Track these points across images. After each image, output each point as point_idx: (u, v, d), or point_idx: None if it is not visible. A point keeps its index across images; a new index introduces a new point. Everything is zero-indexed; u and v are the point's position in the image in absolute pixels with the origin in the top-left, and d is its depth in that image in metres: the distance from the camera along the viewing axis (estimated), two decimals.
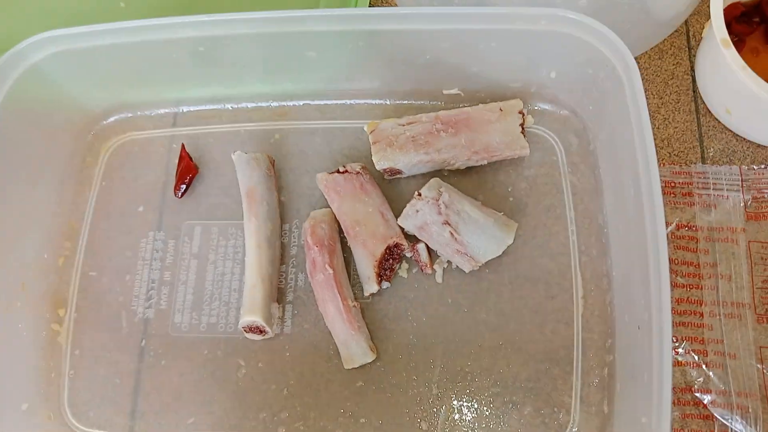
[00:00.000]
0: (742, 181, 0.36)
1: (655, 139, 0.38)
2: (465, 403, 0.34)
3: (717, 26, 0.34)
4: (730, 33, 0.39)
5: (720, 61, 0.34)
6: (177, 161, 0.40)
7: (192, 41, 0.36)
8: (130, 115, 0.42)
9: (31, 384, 0.36)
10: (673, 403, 0.33)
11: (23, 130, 0.37)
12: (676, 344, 0.34)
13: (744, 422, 0.32)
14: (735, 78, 0.34)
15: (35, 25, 0.44)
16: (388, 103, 0.40)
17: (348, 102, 0.41)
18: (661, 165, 0.37)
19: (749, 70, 0.33)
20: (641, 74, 0.39)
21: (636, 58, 0.40)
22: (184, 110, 0.42)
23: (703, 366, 0.33)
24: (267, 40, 0.36)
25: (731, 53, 0.34)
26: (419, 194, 0.35)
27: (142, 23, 0.35)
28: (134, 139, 0.42)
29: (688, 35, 0.41)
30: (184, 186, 0.40)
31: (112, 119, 0.42)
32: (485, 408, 0.34)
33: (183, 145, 0.40)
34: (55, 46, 0.36)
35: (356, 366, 0.34)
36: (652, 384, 0.27)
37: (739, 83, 0.34)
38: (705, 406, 0.32)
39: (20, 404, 0.35)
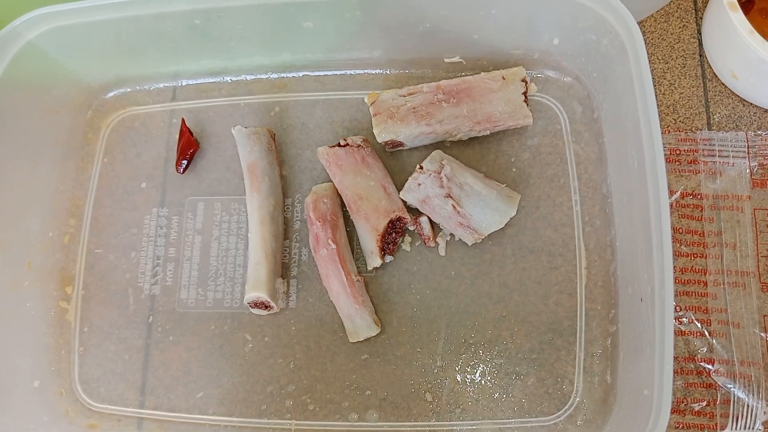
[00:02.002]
0: (748, 147, 0.36)
1: (660, 106, 0.37)
2: (469, 375, 0.34)
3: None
4: None
5: (727, 25, 0.33)
6: (178, 136, 0.40)
7: (187, 14, 0.36)
8: (128, 90, 0.41)
9: (43, 361, 0.37)
10: (677, 372, 0.33)
11: (22, 107, 0.37)
12: (680, 314, 0.34)
13: (746, 390, 0.32)
14: (742, 42, 0.33)
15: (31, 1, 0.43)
16: (388, 72, 0.40)
17: (348, 72, 0.40)
18: (667, 132, 0.37)
19: (756, 34, 0.32)
20: (647, 38, 0.38)
21: (641, 22, 0.39)
22: (183, 84, 0.41)
23: (707, 335, 0.33)
24: (262, 11, 0.35)
25: (738, 17, 0.33)
26: (421, 167, 0.35)
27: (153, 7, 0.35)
28: (134, 114, 0.41)
29: None
30: (185, 162, 0.40)
31: (111, 94, 0.42)
32: (489, 379, 0.34)
33: (183, 120, 0.40)
34: (50, 22, 0.36)
35: (361, 339, 0.35)
36: (654, 357, 0.27)
37: (746, 47, 0.33)
38: (708, 374, 0.33)
39: (32, 381, 0.36)
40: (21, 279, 0.37)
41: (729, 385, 0.32)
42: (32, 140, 0.38)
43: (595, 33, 0.33)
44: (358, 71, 0.40)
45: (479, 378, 0.34)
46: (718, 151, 0.36)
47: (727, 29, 0.34)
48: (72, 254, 0.39)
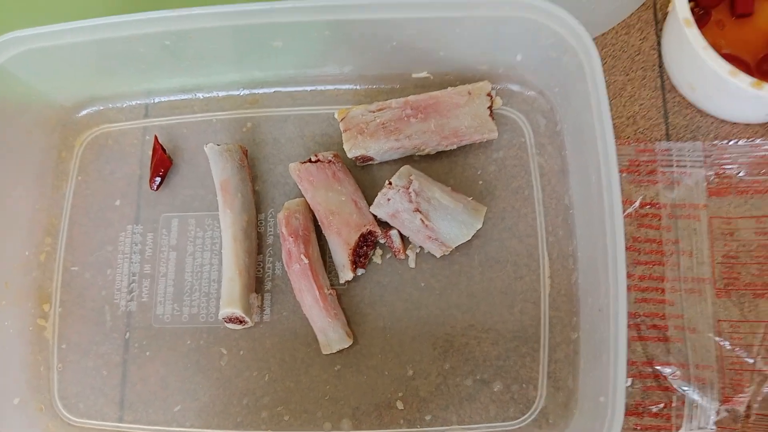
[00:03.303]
0: (704, 157, 0.37)
1: (620, 117, 0.39)
2: (438, 382, 0.35)
3: (680, 5, 0.34)
4: (696, 5, 0.39)
5: (683, 40, 0.35)
6: (151, 153, 0.41)
7: (157, 36, 0.36)
8: (101, 107, 0.42)
9: (22, 378, 0.37)
10: (635, 376, 0.34)
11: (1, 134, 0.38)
12: (639, 320, 0.35)
13: (701, 392, 0.33)
14: (697, 57, 0.34)
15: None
16: (358, 87, 0.41)
17: (319, 88, 0.41)
18: (627, 143, 0.38)
19: (711, 49, 0.33)
20: (608, 50, 0.39)
21: (603, 34, 0.40)
22: (156, 101, 0.42)
23: (665, 340, 0.35)
24: (232, 31, 0.36)
25: (693, 33, 0.34)
26: (390, 183, 0.36)
27: (105, 21, 0.35)
28: (107, 131, 0.42)
29: (655, 8, 0.41)
30: (159, 179, 0.40)
31: (83, 113, 0.42)
32: (458, 386, 0.35)
33: (156, 137, 0.41)
34: (20, 46, 0.36)
35: (334, 351, 0.36)
36: (609, 366, 0.28)
37: (701, 62, 0.34)
38: (665, 378, 0.34)
39: (12, 398, 0.37)
40: (1, 301, 0.37)
41: (685, 388, 0.34)
42: (7, 161, 0.39)
43: (555, 51, 0.34)
44: (328, 87, 0.41)
45: (449, 385, 0.35)
46: (676, 161, 0.37)
47: (683, 44, 0.35)
48: (48, 272, 0.40)
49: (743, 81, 0.32)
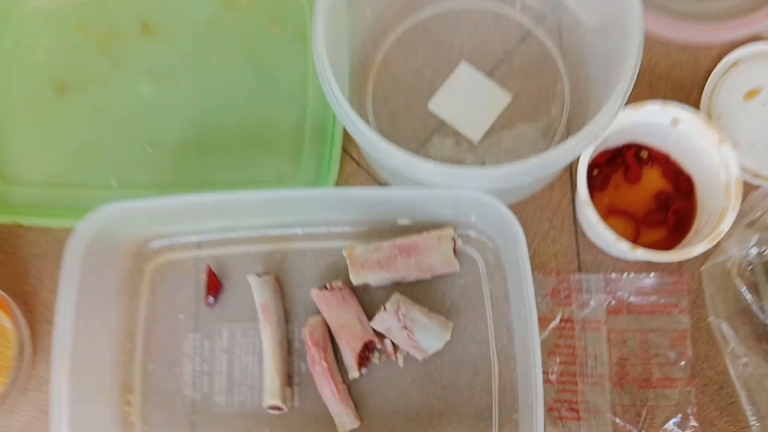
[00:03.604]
0: (605, 285, 0.53)
1: (546, 255, 0.54)
2: None
3: (581, 190, 0.49)
4: (600, 173, 0.54)
5: (584, 211, 0.50)
6: (205, 278, 0.55)
7: (211, 202, 0.50)
8: (166, 242, 0.56)
9: None
10: None
11: (96, 264, 0.51)
12: (559, 404, 0.50)
13: None
14: (593, 224, 0.49)
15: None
16: (360, 230, 0.55)
17: (331, 229, 0.55)
18: (550, 275, 0.53)
19: (602, 223, 0.49)
20: (537, 204, 0.55)
21: (534, 194, 0.56)
22: (207, 239, 0.56)
23: (577, 419, 0.50)
24: (267, 202, 0.51)
25: (590, 210, 0.49)
26: (384, 308, 0.51)
27: (188, 199, 0.49)
28: (170, 260, 0.56)
29: (571, 172, 0.56)
30: (212, 298, 0.54)
31: (151, 245, 0.56)
32: None
33: (208, 266, 0.55)
34: (123, 212, 0.50)
35: (347, 430, 0.50)
36: None
37: (596, 228, 0.49)
38: None
39: None
40: (96, 393, 0.51)
41: None
42: (96, 282, 0.52)
43: (496, 220, 0.49)
44: (338, 229, 0.55)
45: None
46: (585, 288, 0.53)
47: (585, 213, 0.50)
48: (130, 369, 0.53)
49: (624, 245, 0.48)
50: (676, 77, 0.57)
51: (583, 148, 0.45)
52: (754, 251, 0.51)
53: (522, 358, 0.49)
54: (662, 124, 0.51)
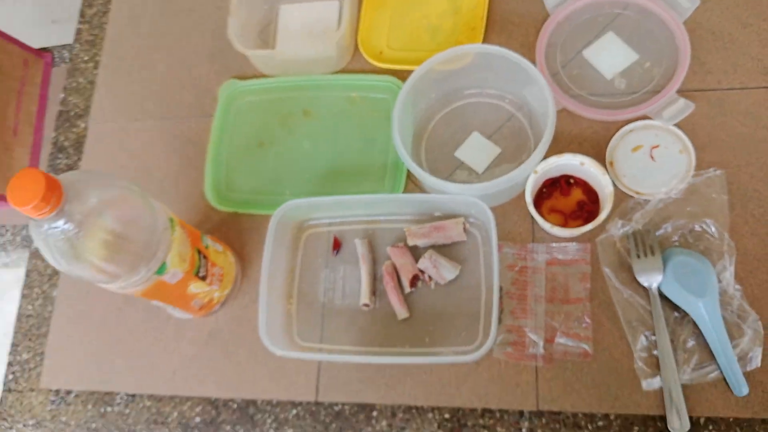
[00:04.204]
0: (546, 249, 0.96)
1: (515, 233, 0.99)
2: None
3: (528, 200, 0.94)
4: (547, 190, 0.98)
5: (531, 209, 0.94)
6: (332, 241, 1.03)
7: (337, 201, 1.00)
8: (313, 222, 1.05)
9: None
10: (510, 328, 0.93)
11: (280, 233, 1.00)
12: (516, 310, 0.93)
13: (536, 335, 0.91)
14: (537, 218, 0.94)
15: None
16: (414, 217, 1.02)
17: (399, 217, 1.03)
18: (517, 244, 0.97)
19: (540, 218, 0.93)
20: (511, 207, 1.00)
21: (509, 201, 1.01)
22: (334, 221, 1.05)
23: (525, 318, 0.93)
24: (364, 203, 0.99)
25: (533, 210, 0.94)
26: (424, 256, 0.97)
27: (325, 200, 0.99)
28: (315, 232, 1.05)
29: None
30: (335, 252, 1.02)
31: (306, 224, 1.05)
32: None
33: (334, 235, 1.03)
34: (294, 207, 0.99)
35: (401, 318, 0.96)
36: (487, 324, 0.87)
37: (539, 220, 0.94)
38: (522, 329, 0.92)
39: None
40: (276, 297, 0.99)
41: (530, 335, 0.91)
42: (280, 244, 1.02)
43: (483, 213, 0.95)
44: (402, 217, 1.03)
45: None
46: (535, 251, 0.96)
47: (531, 210, 0.95)
48: (291, 287, 1.02)
49: (554, 228, 0.92)
50: (594, 139, 1.01)
51: (522, 176, 0.91)
52: (626, 229, 0.93)
53: (494, 286, 0.93)
54: (576, 164, 0.95)
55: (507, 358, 0.92)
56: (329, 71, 1.13)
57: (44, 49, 1.92)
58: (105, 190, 0.76)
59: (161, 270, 0.83)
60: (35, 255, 1.15)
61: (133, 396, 1.02)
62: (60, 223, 0.71)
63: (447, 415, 0.92)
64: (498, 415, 0.90)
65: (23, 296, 1.13)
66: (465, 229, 0.98)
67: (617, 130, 0.96)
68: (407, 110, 1.00)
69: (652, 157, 0.97)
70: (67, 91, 1.25)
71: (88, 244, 0.74)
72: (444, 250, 0.99)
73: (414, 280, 0.97)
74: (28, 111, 1.79)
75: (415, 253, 0.99)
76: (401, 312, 0.96)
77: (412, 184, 1.04)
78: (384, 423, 0.93)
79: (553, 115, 0.91)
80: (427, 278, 0.98)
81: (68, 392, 1.05)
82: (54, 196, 0.69)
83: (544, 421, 0.89)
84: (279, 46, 1.16)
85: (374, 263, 1.00)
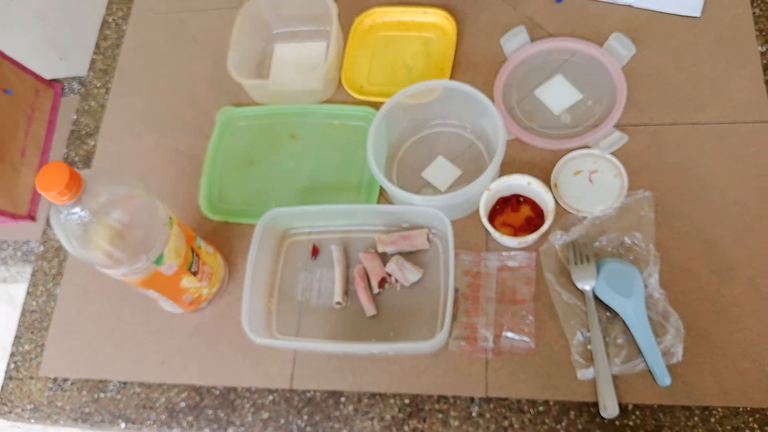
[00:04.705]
0: (497, 257, 1.10)
1: (471, 242, 1.12)
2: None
3: (482, 214, 1.08)
4: (500, 207, 1.12)
5: (484, 222, 1.08)
6: (311, 247, 1.16)
7: (316, 211, 1.13)
8: (294, 231, 1.18)
9: None
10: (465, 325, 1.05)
11: (264, 239, 1.13)
12: (470, 309, 1.06)
13: (486, 330, 1.03)
14: (490, 230, 1.08)
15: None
16: (384, 227, 1.16)
17: (370, 227, 1.16)
18: (473, 251, 1.11)
19: (493, 229, 1.07)
20: (469, 220, 1.14)
21: (468, 215, 1.15)
22: (313, 230, 1.18)
23: (477, 315, 1.05)
24: (341, 213, 1.13)
25: (487, 222, 1.08)
26: (391, 261, 1.10)
27: (305, 209, 1.12)
28: (296, 239, 1.18)
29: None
30: (314, 257, 1.15)
31: (289, 231, 1.18)
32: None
33: (313, 243, 1.16)
34: (277, 215, 1.13)
35: (369, 315, 1.08)
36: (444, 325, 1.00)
37: (492, 231, 1.07)
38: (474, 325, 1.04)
39: None
40: (258, 295, 1.12)
41: (482, 330, 1.04)
42: (264, 249, 1.14)
43: (443, 224, 1.09)
44: (373, 227, 1.16)
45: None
46: (488, 258, 1.10)
47: (484, 223, 1.09)
48: (272, 286, 1.14)
49: (504, 238, 1.05)
50: (542, 164, 1.15)
51: (476, 192, 1.05)
52: (566, 240, 1.07)
53: (449, 288, 1.06)
54: (524, 183, 1.10)
55: (461, 351, 1.04)
56: (315, 101, 1.29)
57: (54, 80, 2.07)
58: (116, 186, 0.90)
59: (159, 260, 0.96)
60: (41, 257, 1.27)
61: (125, 383, 1.12)
62: (77, 210, 0.84)
63: (407, 401, 1.03)
64: (452, 401, 1.02)
65: (28, 293, 1.24)
66: (428, 239, 1.11)
67: (561, 156, 1.10)
68: (381, 135, 1.15)
69: (590, 180, 1.12)
70: (79, 113, 1.39)
71: (99, 230, 0.87)
72: (409, 256, 1.12)
73: (382, 282, 1.10)
74: (36, 135, 1.93)
75: (384, 258, 1.12)
76: (369, 309, 1.09)
77: (384, 199, 1.18)
78: (351, 408, 1.04)
79: (503, 142, 1.06)
80: (393, 280, 1.10)
81: (65, 380, 1.15)
82: (75, 185, 0.82)
83: (491, 406, 1.01)
84: (272, 77, 1.32)
85: (347, 267, 1.13)
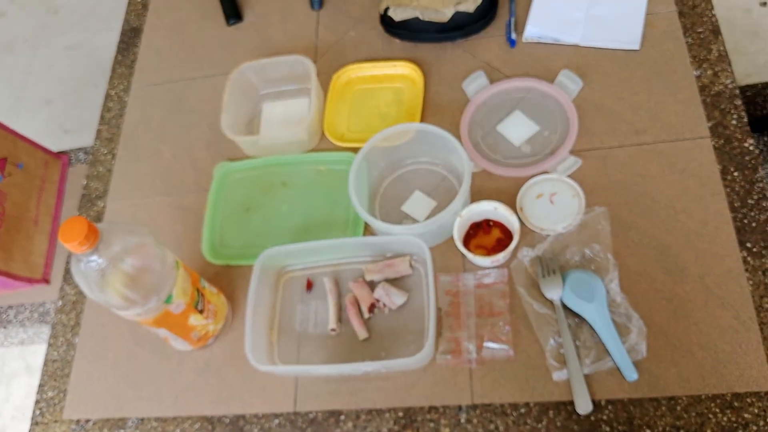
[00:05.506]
0: (474, 276, 1.21)
1: (449, 265, 1.24)
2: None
3: (456, 238, 1.20)
4: (473, 231, 1.24)
5: (459, 245, 1.20)
6: (306, 281, 1.28)
7: (309, 248, 1.25)
8: (290, 267, 1.30)
9: None
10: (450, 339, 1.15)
11: (263, 277, 1.25)
12: (452, 323, 1.17)
13: (468, 342, 1.14)
14: (465, 251, 1.20)
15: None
16: (370, 258, 1.28)
17: (358, 258, 1.28)
18: (448, 273, 1.22)
19: (466, 250, 1.19)
20: (445, 246, 1.26)
21: (444, 241, 1.27)
22: (307, 266, 1.30)
23: (459, 329, 1.16)
24: (330, 248, 1.25)
25: (461, 246, 1.20)
26: (378, 287, 1.21)
27: (299, 247, 1.24)
28: (292, 275, 1.29)
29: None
30: (308, 290, 1.27)
31: (285, 269, 1.30)
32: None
33: (308, 277, 1.28)
34: (274, 253, 1.25)
35: (362, 338, 1.18)
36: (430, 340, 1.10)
37: (467, 253, 1.19)
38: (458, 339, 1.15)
39: None
40: (259, 327, 1.22)
41: (465, 342, 1.14)
42: (263, 286, 1.26)
43: (422, 251, 1.21)
44: (361, 258, 1.28)
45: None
46: (465, 278, 1.21)
47: (459, 246, 1.21)
48: (273, 319, 1.25)
49: (478, 258, 1.17)
50: (507, 191, 1.27)
51: (448, 218, 1.18)
52: (533, 256, 1.19)
53: (431, 307, 1.16)
54: (491, 209, 1.22)
55: (447, 363, 1.14)
56: (302, 151, 1.42)
57: (62, 152, 2.23)
58: (129, 236, 1.02)
59: (168, 299, 1.07)
60: (60, 310, 1.38)
61: (142, 419, 1.22)
62: (95, 257, 0.96)
63: (401, 414, 1.13)
64: (441, 410, 1.12)
65: (49, 345, 1.35)
66: (411, 265, 1.23)
67: (524, 182, 1.22)
68: (362, 176, 1.28)
69: (551, 202, 1.25)
70: (88, 178, 1.53)
71: (115, 275, 0.99)
72: (395, 282, 1.23)
73: (371, 307, 1.21)
74: (47, 204, 2.07)
75: (372, 286, 1.23)
76: (362, 333, 1.19)
77: (369, 233, 1.30)
78: (350, 424, 1.14)
79: (469, 174, 1.19)
80: (382, 305, 1.22)
81: (87, 420, 1.24)
82: (93, 236, 0.94)
83: (478, 412, 1.10)
84: (262, 133, 1.47)
85: (339, 296, 1.24)
